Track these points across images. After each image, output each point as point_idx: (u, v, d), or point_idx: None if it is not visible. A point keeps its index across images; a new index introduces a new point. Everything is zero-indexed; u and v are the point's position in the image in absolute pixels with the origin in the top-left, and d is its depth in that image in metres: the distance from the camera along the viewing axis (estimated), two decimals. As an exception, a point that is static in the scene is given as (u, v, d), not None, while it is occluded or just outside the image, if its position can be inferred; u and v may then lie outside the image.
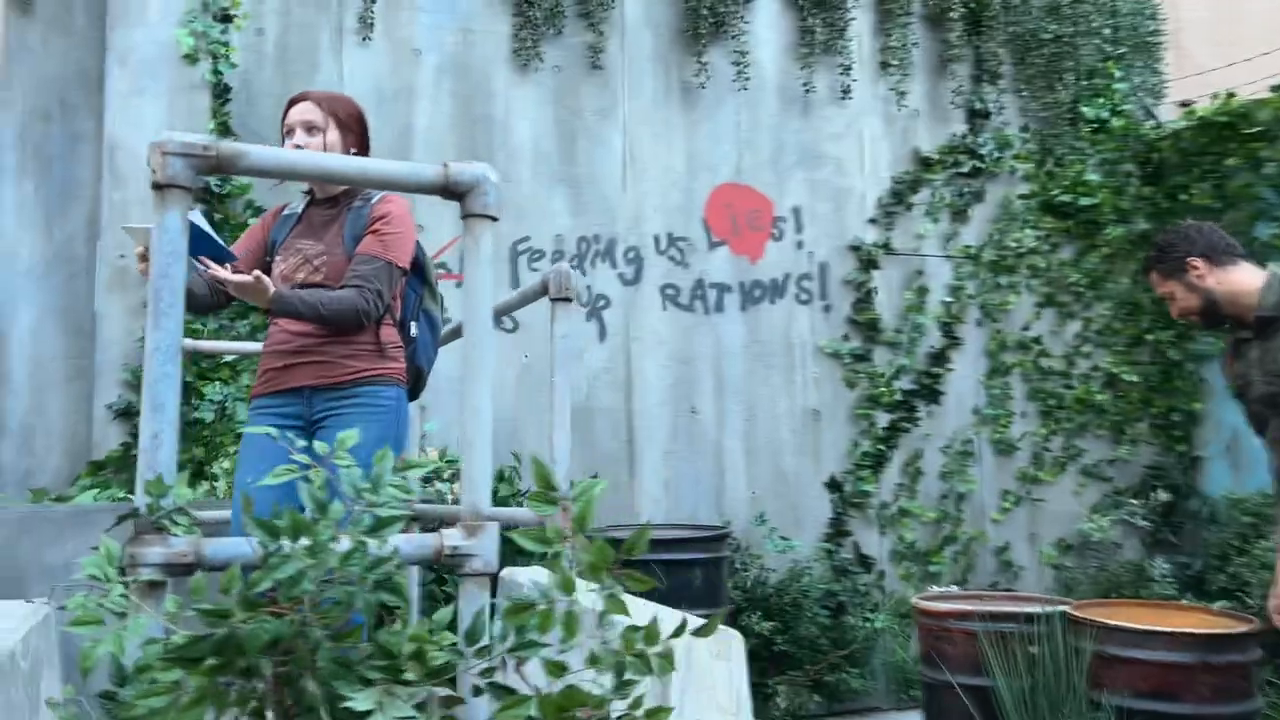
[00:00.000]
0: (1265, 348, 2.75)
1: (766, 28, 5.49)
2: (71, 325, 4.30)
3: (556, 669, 1.11)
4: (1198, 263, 2.83)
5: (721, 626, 2.35)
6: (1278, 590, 2.58)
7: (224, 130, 4.30)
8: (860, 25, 5.69)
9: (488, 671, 1.12)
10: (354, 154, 2.55)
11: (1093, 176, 5.96)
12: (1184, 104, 6.15)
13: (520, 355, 4.88)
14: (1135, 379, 5.94)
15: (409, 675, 1.04)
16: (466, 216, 1.48)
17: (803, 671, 4.90)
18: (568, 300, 2.30)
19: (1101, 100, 6.07)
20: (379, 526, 1.13)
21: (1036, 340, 5.84)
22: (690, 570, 4.36)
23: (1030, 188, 5.94)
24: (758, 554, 5.05)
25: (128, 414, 4.06)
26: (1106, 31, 6.15)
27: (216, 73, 4.26)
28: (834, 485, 5.36)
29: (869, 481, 5.40)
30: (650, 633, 1.15)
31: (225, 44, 4.29)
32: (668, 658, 1.14)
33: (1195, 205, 5.85)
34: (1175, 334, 5.96)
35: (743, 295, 5.32)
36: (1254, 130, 5.51)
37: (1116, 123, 6.07)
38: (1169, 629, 2.97)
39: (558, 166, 5.04)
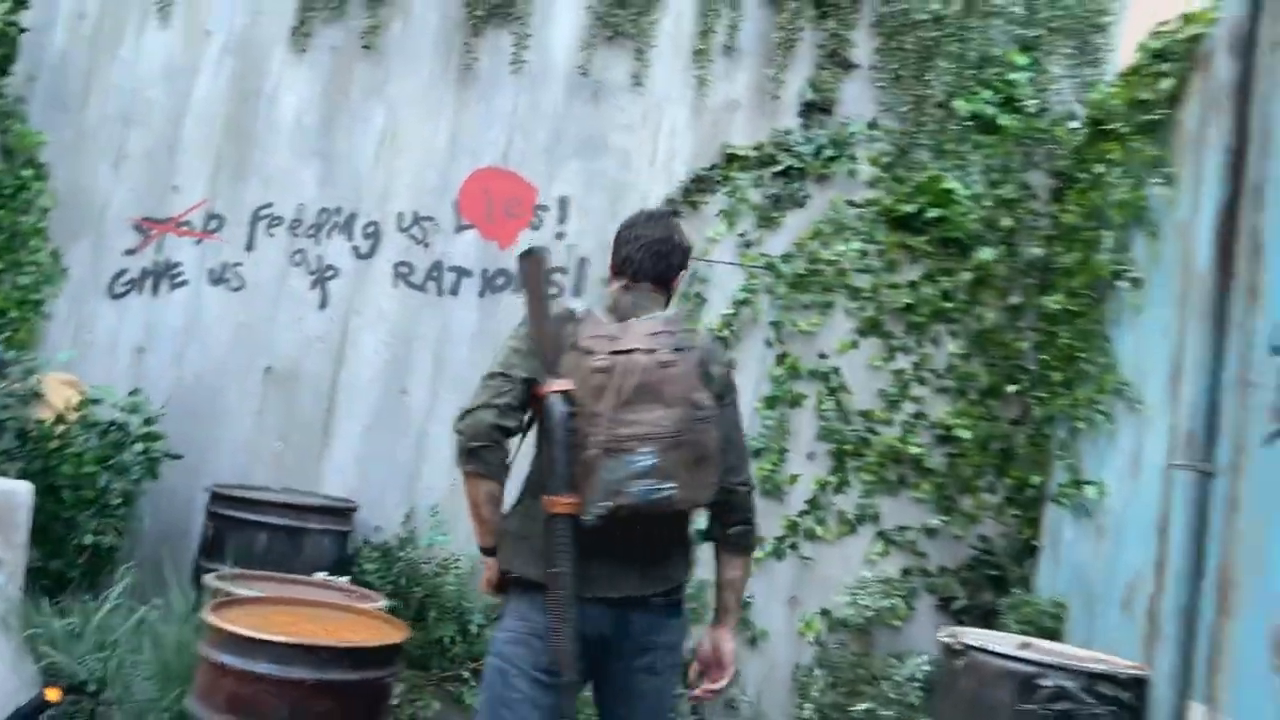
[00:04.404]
0: None
1: (564, 10, 5.24)
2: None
3: None
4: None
5: None
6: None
7: (-2, 96, 5.12)
8: (681, 5, 5.21)
9: None
10: None
11: (954, 185, 4.88)
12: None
13: (240, 315, 5.17)
14: (968, 436, 4.77)
15: None
16: None
17: (428, 675, 4.66)
18: None
19: (989, 93, 4.95)
20: None
21: (836, 371, 4.92)
22: (256, 531, 4.41)
23: (872, 195, 5.02)
24: (417, 545, 4.86)
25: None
26: (1017, 10, 5.01)
27: (-4, 46, 5.08)
28: (542, 493, 4.97)
29: (581, 496, 4.92)
30: None
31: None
32: None
33: (1069, 225, 4.59)
34: (1049, 390, 4.67)
35: (484, 281, 5.14)
36: (1108, 128, 4.21)
37: (1008, 121, 4.91)
38: (252, 633, 2.56)
39: (315, 141, 5.25)
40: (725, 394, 2.37)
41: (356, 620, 2.98)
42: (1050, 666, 2.95)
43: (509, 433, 2.27)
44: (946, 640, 3.22)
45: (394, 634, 2.83)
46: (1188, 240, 3.42)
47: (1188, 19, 3.66)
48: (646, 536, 2.26)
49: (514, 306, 5.02)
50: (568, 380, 2.22)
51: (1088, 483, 4.07)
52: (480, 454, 2.25)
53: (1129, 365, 3.91)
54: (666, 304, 2.50)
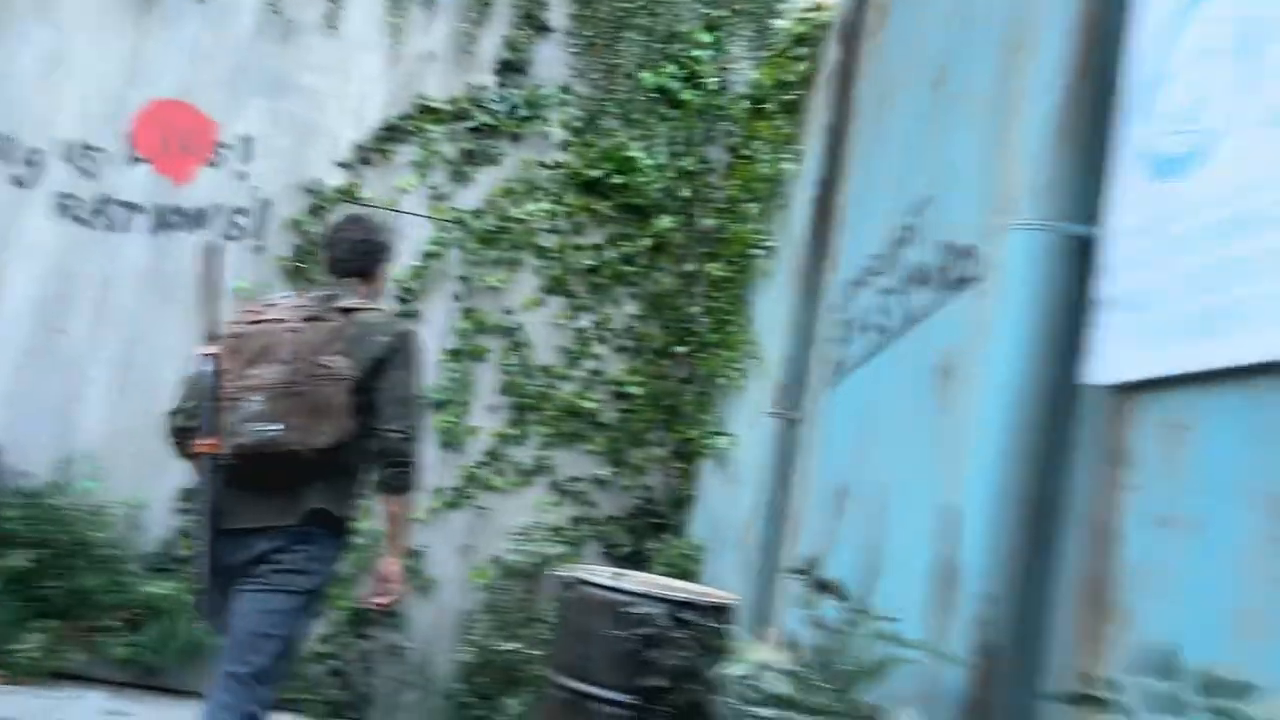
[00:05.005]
0: None
1: (255, -55, 5.08)
2: None
3: None
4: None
5: None
6: None
7: None
8: (381, -48, 5.16)
9: None
10: None
11: (639, 154, 5.09)
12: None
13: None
14: (641, 393, 5.02)
15: None
16: None
17: (68, 623, 4.46)
18: None
19: (675, 68, 5.19)
20: None
21: (520, 327, 5.06)
22: None
23: (562, 158, 5.16)
24: (67, 493, 4.63)
25: None
26: (704, -11, 5.26)
27: None
28: (211, 439, 4.85)
29: (253, 443, 4.83)
30: None
31: None
32: None
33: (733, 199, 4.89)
34: (709, 350, 4.96)
35: (156, 219, 4.93)
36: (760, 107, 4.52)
37: (690, 96, 5.16)
38: None
39: (-30, 57, 4.86)
40: (388, 358, 2.71)
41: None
42: (638, 595, 3.16)
43: (191, 430, 2.63)
44: (560, 575, 3.40)
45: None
46: (799, 212, 3.74)
47: (820, 6, 3.97)
48: (278, 474, 2.57)
49: (188, 245, 4.87)
50: (216, 346, 2.63)
51: (721, 434, 4.38)
52: (176, 446, 2.71)
53: (760, 326, 4.22)
54: (374, 292, 2.92)
